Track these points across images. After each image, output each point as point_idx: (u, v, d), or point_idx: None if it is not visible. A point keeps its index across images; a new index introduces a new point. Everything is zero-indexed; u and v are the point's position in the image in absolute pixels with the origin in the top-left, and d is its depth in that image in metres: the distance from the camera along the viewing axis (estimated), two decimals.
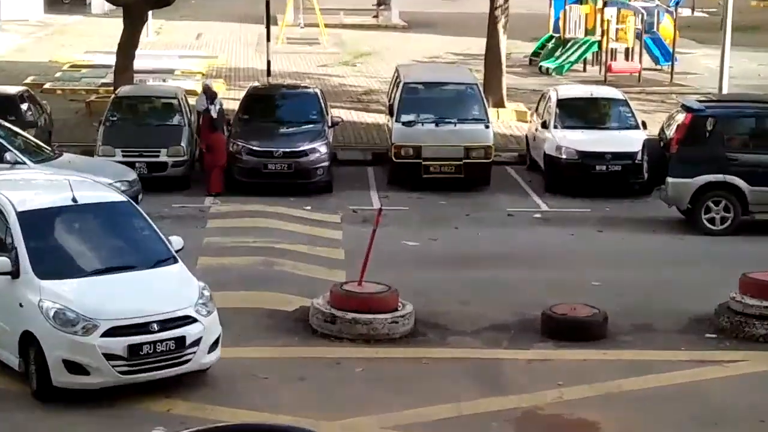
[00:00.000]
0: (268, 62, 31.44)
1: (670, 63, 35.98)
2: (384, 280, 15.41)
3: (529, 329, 15.07)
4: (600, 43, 36.07)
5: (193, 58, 37.71)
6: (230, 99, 28.89)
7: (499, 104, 29.17)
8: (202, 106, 23.08)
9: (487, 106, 24.18)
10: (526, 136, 25.85)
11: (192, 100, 24.29)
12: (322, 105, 24.09)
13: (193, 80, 32.82)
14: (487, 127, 23.30)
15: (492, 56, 29.35)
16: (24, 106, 23.87)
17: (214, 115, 22.55)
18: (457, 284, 16.89)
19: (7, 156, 19.66)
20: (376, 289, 14.98)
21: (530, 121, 26.18)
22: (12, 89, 25.32)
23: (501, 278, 17.20)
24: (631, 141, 22.87)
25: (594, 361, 14.05)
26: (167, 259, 13.42)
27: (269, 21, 32.16)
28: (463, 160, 22.85)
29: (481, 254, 18.63)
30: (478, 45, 37.35)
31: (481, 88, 24.80)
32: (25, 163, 19.57)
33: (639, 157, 22.04)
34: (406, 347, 14.39)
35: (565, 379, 13.43)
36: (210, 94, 23.06)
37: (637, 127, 23.75)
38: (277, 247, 18.50)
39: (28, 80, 32.37)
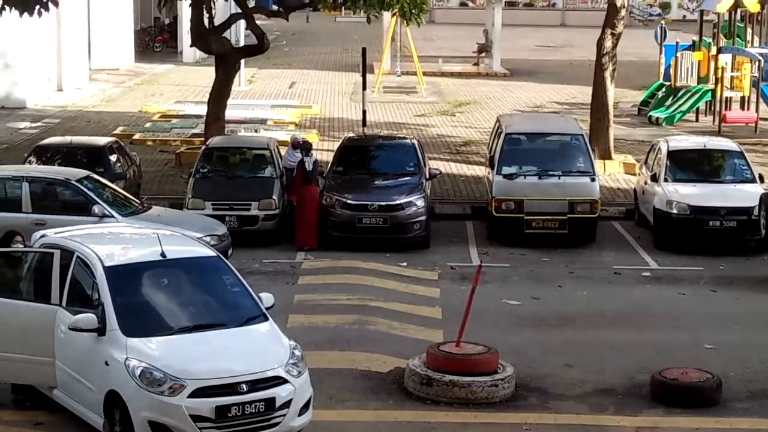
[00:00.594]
0: (364, 112, 31.73)
1: None
2: (483, 340, 15.38)
3: (637, 394, 14.91)
4: (713, 91, 35.74)
5: (286, 107, 38.16)
6: (324, 150, 29.16)
7: (606, 156, 29.03)
8: (291, 163, 23.26)
9: (593, 158, 24.06)
10: (635, 190, 25.67)
11: (284, 151, 24.54)
12: (420, 156, 24.19)
13: (286, 131, 33.18)
14: (593, 180, 23.19)
15: (598, 105, 29.25)
16: (113, 158, 24.33)
17: (309, 167, 22.75)
18: (561, 346, 16.77)
19: (95, 209, 20.02)
20: (475, 350, 14.94)
21: (639, 174, 25.99)
22: (101, 140, 25.84)
23: (607, 340, 17.04)
24: (746, 195, 22.60)
25: (707, 430, 13.84)
26: (257, 317, 13.52)
27: (365, 69, 32.49)
28: (568, 215, 22.74)
29: (586, 314, 18.49)
30: (583, 93, 37.35)
31: (587, 139, 24.70)
32: (113, 216, 19.92)
33: (756, 212, 21.77)
34: (507, 412, 14.31)
35: None
36: (304, 146, 23.28)
37: (753, 180, 23.47)
38: (371, 305, 18.55)
39: (118, 131, 33.01)
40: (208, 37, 28.11)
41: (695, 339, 17.07)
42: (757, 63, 35.19)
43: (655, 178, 23.61)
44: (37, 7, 23.26)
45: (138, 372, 12.41)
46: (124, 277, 13.40)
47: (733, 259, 22.08)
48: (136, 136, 32.68)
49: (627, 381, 15.32)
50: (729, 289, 20.13)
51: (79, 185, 20.62)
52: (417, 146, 24.63)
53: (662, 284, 20.47)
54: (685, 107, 36.06)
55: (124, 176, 23.86)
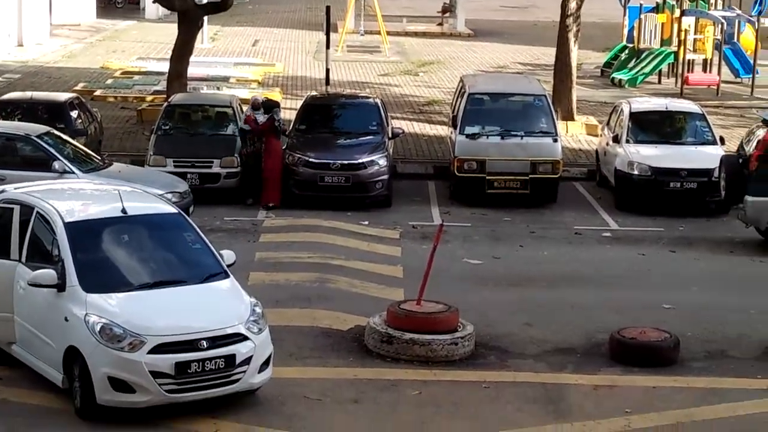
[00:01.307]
0: (327, 71, 31.60)
1: (750, 75, 35.70)
2: (444, 299, 15.44)
3: (595, 353, 15.01)
4: (676, 53, 35.87)
5: (249, 65, 37.97)
6: (287, 108, 29.07)
7: (569, 117, 29.11)
8: (247, 125, 22.75)
9: (555, 118, 24.13)
10: (596, 151, 25.77)
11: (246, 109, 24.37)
12: (383, 116, 24.18)
13: (249, 88, 33.05)
14: (555, 140, 23.26)
15: (562, 66, 29.29)
16: (74, 114, 24.17)
17: (279, 124, 22.60)
18: (521, 305, 16.86)
19: (56, 165, 19.91)
20: (436, 309, 15.00)
21: (601, 135, 26.10)
22: (62, 96, 25.63)
23: (567, 299, 17.15)
24: (707, 157, 22.72)
25: (664, 388, 13.96)
26: (218, 274, 13.51)
27: (329, 28, 32.34)
28: (530, 176, 22.83)
29: (547, 274, 18.59)
30: (547, 55, 37.39)
31: (550, 100, 24.76)
32: (73, 173, 19.82)
33: (716, 174, 21.90)
34: (466, 370, 14.38)
35: (634, 407, 13.36)
36: (270, 104, 22.94)
37: (714, 142, 23.60)
38: (332, 263, 18.58)
39: (79, 87, 32.79)
40: None
41: (654, 299, 17.20)
42: (720, 26, 35.30)
43: (617, 140, 23.71)
44: None
45: (98, 328, 12.39)
46: (85, 233, 13.34)
47: (693, 221, 22.24)
48: (98, 93, 32.48)
49: (586, 340, 15.43)
50: (688, 250, 20.28)
51: (39, 141, 20.49)
52: (380, 105, 24.61)
53: (622, 245, 20.59)
54: (647, 69, 36.16)
55: (85, 132, 23.71)
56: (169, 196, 18.93)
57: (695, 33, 36.04)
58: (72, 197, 14.46)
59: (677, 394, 13.79)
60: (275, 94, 31.54)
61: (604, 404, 13.45)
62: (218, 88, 32.56)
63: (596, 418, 13.01)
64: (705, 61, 36.40)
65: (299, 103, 26.01)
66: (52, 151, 20.29)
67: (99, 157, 21.48)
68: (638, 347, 14.70)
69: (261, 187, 22.49)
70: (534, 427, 12.77)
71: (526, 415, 13.08)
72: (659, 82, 36.60)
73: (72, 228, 13.26)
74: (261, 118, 22.65)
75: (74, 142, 21.56)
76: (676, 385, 14.09)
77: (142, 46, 42.40)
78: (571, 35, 29.01)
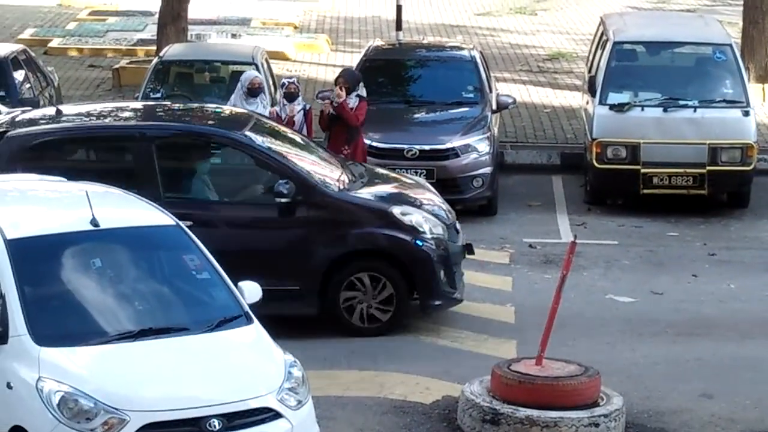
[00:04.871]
0: (398, 8, 31.65)
1: None
2: (577, 356, 15.39)
3: None
4: None
5: (281, 0, 38.13)
6: (336, 66, 29.16)
7: (767, 78, 29.03)
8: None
9: (746, 80, 24.04)
10: None
11: (280, 68, 24.38)
12: (483, 77, 24.23)
13: (282, 35, 33.18)
14: (746, 114, 23.23)
15: (756, 0, 29.20)
16: (18, 75, 24.32)
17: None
18: (695, 366, 16.81)
19: None
20: (565, 371, 14.93)
21: None
22: (1, 49, 25.79)
23: (767, 358, 17.05)
24: None
25: None
26: (236, 318, 13.52)
27: None
28: (708, 168, 22.80)
29: (734, 318, 18.52)
30: None
31: (738, 52, 24.67)
32: None
33: None
34: None
35: None
36: (356, 78, 22.04)
37: None
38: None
39: (27, 35, 33.09)
40: None
41: None
42: None
43: None
44: None
45: (56, 399, 12.42)
46: (36, 255, 13.39)
47: None
48: (54, 43, 32.79)
49: None
50: None
51: None
52: (479, 61, 24.65)
53: None
54: None
55: (36, 102, 23.86)
56: None
57: None
58: (17, 201, 14.54)
59: None
60: (320, 44, 31.70)
61: None
62: (234, 36, 32.71)
63: None
64: None
65: (356, 59, 26.05)
66: None
67: None
68: None
69: None
70: None
71: None
72: None
73: (17, 248, 13.30)
74: (260, 105, 21.62)
75: None
76: None
77: None
78: None
